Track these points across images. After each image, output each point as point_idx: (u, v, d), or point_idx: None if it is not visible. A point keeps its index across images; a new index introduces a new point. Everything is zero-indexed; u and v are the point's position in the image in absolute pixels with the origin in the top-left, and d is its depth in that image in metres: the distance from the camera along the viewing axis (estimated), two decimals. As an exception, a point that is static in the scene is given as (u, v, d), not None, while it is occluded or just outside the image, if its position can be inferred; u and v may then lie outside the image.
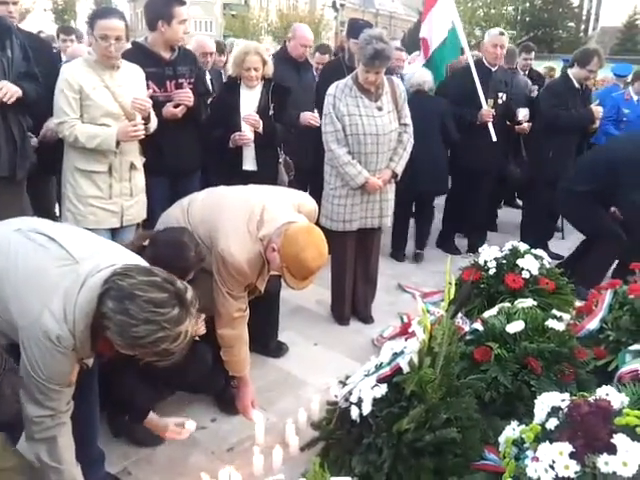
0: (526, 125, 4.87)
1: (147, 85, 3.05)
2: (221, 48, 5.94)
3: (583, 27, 41.81)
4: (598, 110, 4.71)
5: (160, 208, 2.90)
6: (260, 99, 3.55)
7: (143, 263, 1.82)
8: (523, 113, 4.77)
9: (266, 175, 3.56)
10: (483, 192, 4.88)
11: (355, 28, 4.37)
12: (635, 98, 5.39)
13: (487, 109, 4.50)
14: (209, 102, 3.65)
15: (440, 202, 5.16)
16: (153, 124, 2.99)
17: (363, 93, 3.32)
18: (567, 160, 4.55)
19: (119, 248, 1.93)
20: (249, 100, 3.55)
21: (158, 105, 3.10)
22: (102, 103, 2.80)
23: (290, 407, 2.70)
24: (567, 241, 5.17)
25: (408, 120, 3.48)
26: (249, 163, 3.59)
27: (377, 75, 3.26)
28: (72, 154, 2.89)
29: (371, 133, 3.30)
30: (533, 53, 6.45)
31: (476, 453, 2.00)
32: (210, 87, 3.97)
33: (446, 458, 1.96)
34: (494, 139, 4.53)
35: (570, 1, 38.23)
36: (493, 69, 4.63)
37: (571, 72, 4.72)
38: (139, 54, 3.16)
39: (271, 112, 3.58)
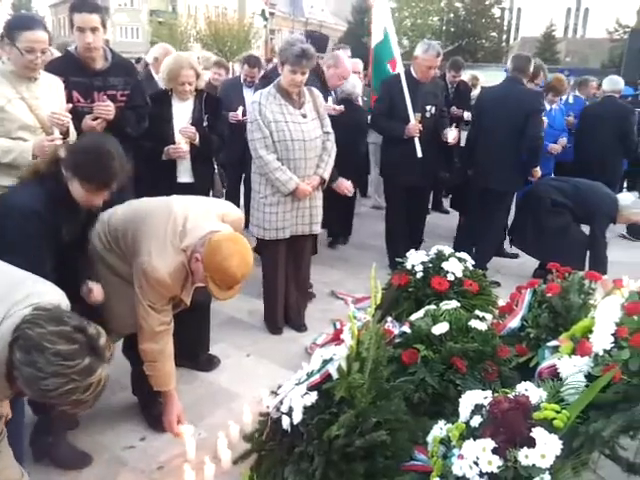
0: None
1: (72, 95, 2.94)
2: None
3: (505, 37, 43.85)
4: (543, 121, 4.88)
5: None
6: (193, 110, 3.52)
7: (54, 293, 1.73)
8: (452, 135, 4.54)
9: (202, 187, 3.55)
10: (420, 206, 4.94)
11: (314, 41, 4.48)
12: (547, 107, 5.64)
13: (414, 123, 4.39)
14: None
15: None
16: (72, 138, 2.86)
17: (287, 101, 3.35)
18: None
19: (29, 280, 1.84)
20: (182, 112, 3.51)
21: (83, 116, 2.98)
22: (18, 116, 2.66)
23: (222, 421, 2.65)
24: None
25: (330, 129, 3.54)
26: (185, 175, 3.55)
27: (303, 76, 3.29)
28: None
29: (298, 139, 3.32)
30: (462, 71, 6.72)
31: (406, 454, 2.03)
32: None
33: (377, 461, 1.98)
34: (419, 155, 4.40)
35: (492, 12, 39.98)
36: (422, 82, 4.49)
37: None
38: (66, 63, 3.06)
39: (205, 123, 3.55)
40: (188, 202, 2.54)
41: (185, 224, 2.36)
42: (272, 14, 41.86)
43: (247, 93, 5.07)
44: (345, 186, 4.02)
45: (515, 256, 5.26)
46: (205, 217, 2.45)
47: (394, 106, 4.47)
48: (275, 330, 3.66)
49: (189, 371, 3.06)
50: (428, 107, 4.54)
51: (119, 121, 3.11)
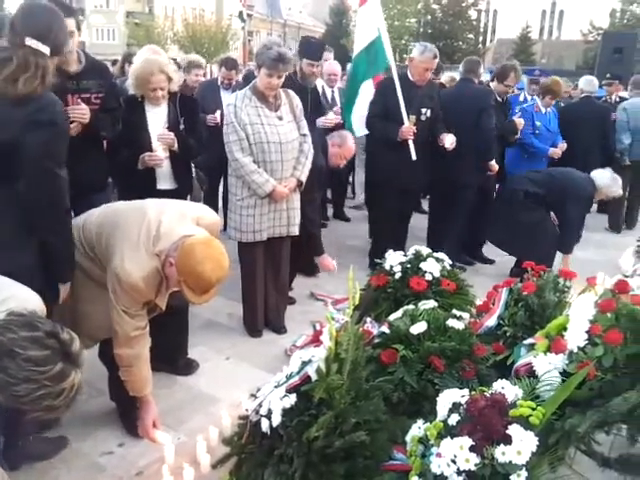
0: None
1: None
2: (132, 59, 5.76)
3: (481, 39, 44.36)
4: (520, 122, 4.97)
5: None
6: (168, 114, 3.41)
7: (33, 299, 1.70)
8: (450, 140, 4.48)
9: (183, 192, 3.49)
10: (409, 208, 4.98)
11: (309, 48, 4.40)
12: (543, 110, 5.60)
13: (407, 126, 4.38)
14: None
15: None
16: None
17: (263, 103, 3.34)
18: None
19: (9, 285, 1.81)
20: (156, 117, 3.40)
21: None
22: None
23: (201, 425, 2.64)
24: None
25: (306, 130, 3.54)
26: (165, 182, 3.45)
27: (279, 79, 3.29)
28: None
29: (274, 141, 3.32)
30: (440, 73, 6.80)
31: (385, 454, 2.04)
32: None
33: (356, 462, 1.98)
34: (414, 157, 4.40)
35: (468, 14, 40.42)
36: (418, 84, 4.49)
37: (492, 86, 5.00)
38: None
39: (182, 126, 3.45)
40: (163, 206, 2.52)
41: (159, 228, 2.34)
42: (250, 16, 41.76)
43: (224, 95, 5.06)
44: (327, 263, 3.95)
45: (492, 262, 5.32)
46: (179, 221, 2.42)
47: (389, 108, 4.47)
48: (255, 333, 3.65)
49: (168, 375, 3.04)
50: (424, 110, 4.54)
51: (94, 124, 3.08)
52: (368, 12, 4.84)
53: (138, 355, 2.40)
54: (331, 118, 4.77)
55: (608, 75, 7.67)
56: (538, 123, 5.57)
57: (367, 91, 4.88)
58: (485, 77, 7.29)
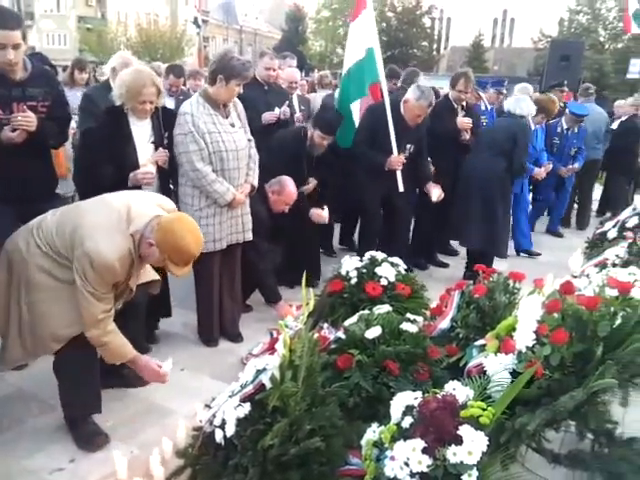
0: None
1: None
2: (81, 66, 5.66)
3: (436, 46, 45.20)
4: (463, 121, 4.99)
5: (4, 238, 2.64)
6: (153, 129, 3.25)
7: None
8: (436, 194, 4.63)
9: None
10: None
11: (324, 120, 4.30)
12: (533, 127, 5.59)
13: (397, 157, 4.40)
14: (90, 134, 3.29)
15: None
16: None
17: (216, 110, 3.31)
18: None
19: None
20: (141, 131, 3.21)
21: (1, 129, 2.86)
22: None
23: (155, 437, 2.58)
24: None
25: (251, 135, 3.55)
26: None
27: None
28: None
29: (232, 149, 3.32)
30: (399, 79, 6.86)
31: (341, 459, 2.04)
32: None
33: (312, 468, 1.98)
34: (401, 189, 4.46)
35: (423, 22, 41.14)
36: (409, 124, 4.49)
37: (450, 93, 5.13)
38: None
39: (165, 141, 3.32)
40: (125, 194, 2.63)
41: (129, 212, 2.44)
42: (205, 21, 41.51)
43: (168, 102, 4.95)
44: (285, 311, 3.88)
45: (446, 265, 5.41)
46: (146, 205, 2.54)
47: (377, 135, 4.46)
48: (210, 342, 3.60)
49: (120, 388, 2.97)
50: (408, 145, 4.59)
51: (40, 132, 3.00)
52: (359, 28, 4.70)
53: (109, 331, 2.47)
54: (275, 113, 4.72)
55: (556, 82, 7.92)
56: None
57: (356, 111, 4.82)
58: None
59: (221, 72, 3.22)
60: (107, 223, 2.40)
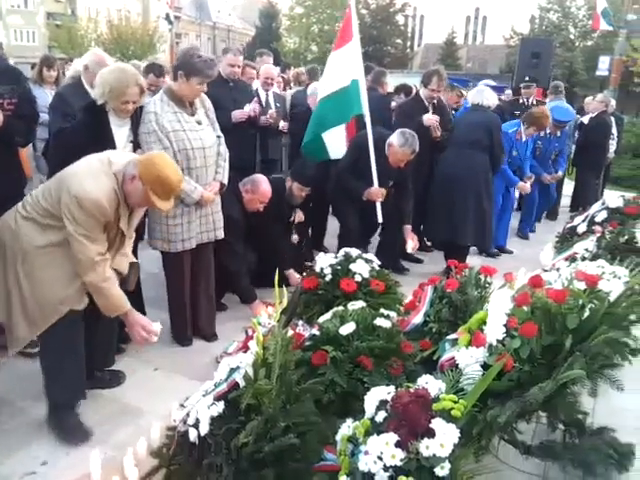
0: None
1: None
2: (49, 63, 5.54)
3: (409, 44, 45.38)
4: (429, 118, 4.93)
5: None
6: (131, 128, 3.21)
7: None
8: (410, 246, 4.73)
9: None
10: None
11: (302, 173, 4.33)
12: (524, 138, 5.69)
13: (377, 189, 4.44)
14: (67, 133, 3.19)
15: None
16: None
17: (181, 108, 3.27)
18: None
19: None
20: (121, 131, 3.17)
21: None
22: None
23: (129, 438, 2.55)
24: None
25: (220, 132, 3.52)
26: None
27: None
28: None
29: (198, 147, 3.28)
30: (368, 76, 6.85)
31: (316, 456, 2.04)
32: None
33: (287, 465, 1.99)
34: (380, 220, 4.50)
35: (396, 20, 41.26)
36: (392, 164, 4.52)
37: (421, 92, 5.11)
38: None
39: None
40: (102, 152, 2.70)
41: (109, 158, 2.57)
42: (178, 18, 41.08)
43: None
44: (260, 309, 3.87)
45: (420, 261, 5.45)
46: (122, 154, 2.69)
47: (359, 164, 4.47)
48: (184, 342, 3.58)
49: (93, 389, 2.93)
50: (389, 182, 4.60)
51: (7, 130, 2.94)
52: (343, 58, 4.61)
53: (105, 277, 2.54)
54: (245, 111, 4.71)
55: (527, 78, 8.02)
56: (515, 153, 5.72)
57: (339, 134, 4.80)
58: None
59: (182, 68, 3.19)
60: (88, 168, 2.51)
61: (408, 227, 4.74)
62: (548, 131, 6.37)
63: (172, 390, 2.93)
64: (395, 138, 4.43)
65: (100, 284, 2.52)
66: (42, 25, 37.76)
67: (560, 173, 6.63)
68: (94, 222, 2.45)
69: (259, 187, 3.93)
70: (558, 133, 6.46)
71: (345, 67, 4.58)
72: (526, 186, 5.81)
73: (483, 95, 5.02)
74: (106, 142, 3.04)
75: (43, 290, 2.49)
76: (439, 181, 4.99)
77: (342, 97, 4.60)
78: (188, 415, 2.10)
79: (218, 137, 3.49)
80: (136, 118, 3.21)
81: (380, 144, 4.47)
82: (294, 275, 4.15)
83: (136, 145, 3.23)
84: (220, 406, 2.02)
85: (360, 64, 4.61)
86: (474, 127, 4.94)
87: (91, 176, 2.46)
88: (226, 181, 3.51)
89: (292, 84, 7.73)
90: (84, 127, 3.09)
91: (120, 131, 3.17)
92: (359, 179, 4.50)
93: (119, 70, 3.09)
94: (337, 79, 4.65)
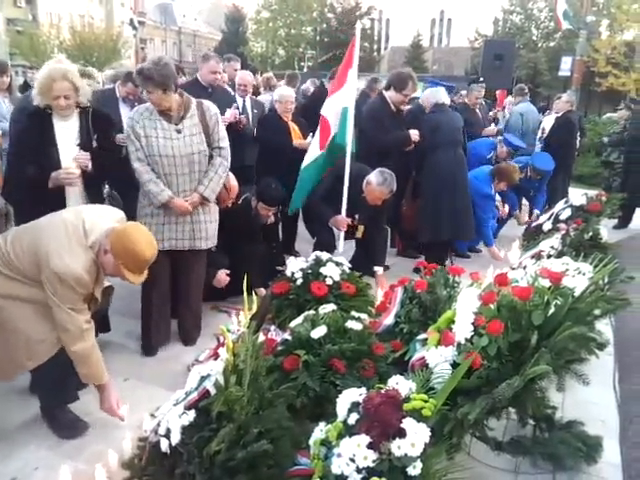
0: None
1: None
2: (2, 69, 5.39)
3: (376, 47, 45.70)
4: (414, 133, 4.93)
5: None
6: (80, 130, 3.17)
7: None
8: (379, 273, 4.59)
9: None
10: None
11: (268, 194, 4.26)
12: (493, 191, 5.64)
13: (343, 218, 4.42)
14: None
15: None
16: None
17: (162, 116, 3.28)
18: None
19: None
20: (66, 132, 3.13)
21: None
22: None
23: (100, 451, 2.50)
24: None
25: (222, 143, 3.43)
26: (75, 201, 3.17)
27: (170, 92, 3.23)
28: None
29: (167, 155, 3.25)
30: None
31: (290, 460, 2.04)
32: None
33: (260, 471, 1.98)
34: (339, 250, 4.44)
35: (362, 23, 41.52)
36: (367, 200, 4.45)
37: (387, 95, 4.96)
38: None
39: (94, 144, 3.22)
40: (76, 209, 2.70)
41: (84, 225, 2.51)
42: (142, 23, 40.63)
43: (123, 110, 4.80)
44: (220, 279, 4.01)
45: (386, 267, 5.44)
46: (99, 217, 2.61)
47: (334, 192, 4.43)
48: (149, 351, 3.53)
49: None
50: (357, 215, 4.57)
51: None
52: (339, 98, 4.50)
53: (92, 345, 2.57)
54: (227, 117, 4.67)
55: (481, 79, 8.22)
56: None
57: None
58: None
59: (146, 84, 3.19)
60: (65, 238, 2.44)
61: (379, 270, 4.58)
62: (529, 174, 6.29)
63: (143, 400, 2.88)
64: (374, 177, 4.35)
65: (87, 352, 2.54)
66: (2, 32, 36.85)
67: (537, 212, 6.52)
68: (77, 296, 2.46)
69: (228, 181, 3.82)
70: (538, 177, 6.40)
71: (343, 97, 4.48)
72: (504, 210, 5.96)
73: (440, 94, 5.13)
74: (48, 143, 3.09)
75: (7, 346, 2.49)
76: (440, 183, 4.98)
77: (339, 134, 4.50)
78: (159, 425, 2.07)
79: (218, 148, 3.41)
80: (85, 121, 3.19)
81: (359, 180, 4.41)
82: (262, 292, 4.04)
83: (84, 147, 3.17)
84: (191, 415, 2.00)
85: (354, 90, 4.57)
86: (453, 128, 5.07)
87: (69, 249, 2.43)
88: (209, 194, 3.39)
89: (262, 89, 7.69)
90: (28, 130, 3.15)
91: (65, 133, 3.15)
92: (330, 205, 4.47)
93: (46, 67, 3.14)
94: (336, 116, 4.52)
